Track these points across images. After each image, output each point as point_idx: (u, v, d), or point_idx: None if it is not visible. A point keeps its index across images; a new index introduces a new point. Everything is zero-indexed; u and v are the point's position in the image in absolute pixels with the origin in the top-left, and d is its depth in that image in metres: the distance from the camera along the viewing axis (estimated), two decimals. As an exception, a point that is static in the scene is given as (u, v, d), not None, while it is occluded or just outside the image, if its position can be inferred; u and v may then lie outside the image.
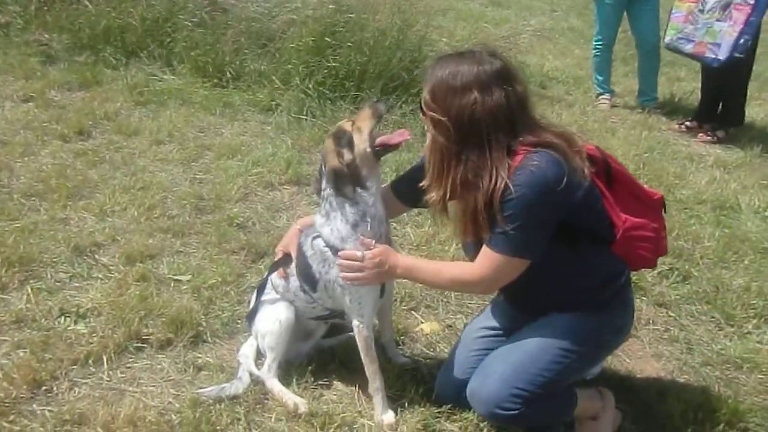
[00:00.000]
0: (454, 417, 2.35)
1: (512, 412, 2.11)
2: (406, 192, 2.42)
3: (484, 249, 2.10)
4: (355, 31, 5.34)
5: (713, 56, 5.02)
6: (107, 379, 2.47)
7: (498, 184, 1.98)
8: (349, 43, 5.22)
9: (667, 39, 5.36)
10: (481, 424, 2.30)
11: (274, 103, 5.08)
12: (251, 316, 2.58)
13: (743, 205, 4.23)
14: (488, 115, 2.00)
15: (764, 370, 2.77)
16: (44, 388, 2.40)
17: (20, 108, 4.81)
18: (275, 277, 2.51)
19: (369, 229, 2.28)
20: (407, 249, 3.43)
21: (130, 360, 2.58)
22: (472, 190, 2.03)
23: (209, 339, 2.71)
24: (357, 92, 5.07)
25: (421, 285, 2.97)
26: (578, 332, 2.19)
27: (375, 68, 5.12)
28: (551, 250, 2.07)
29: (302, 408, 2.34)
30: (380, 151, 2.29)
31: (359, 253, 2.23)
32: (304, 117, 4.88)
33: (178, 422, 2.26)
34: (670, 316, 3.12)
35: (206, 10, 5.94)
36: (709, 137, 5.44)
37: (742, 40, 4.87)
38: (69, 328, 2.69)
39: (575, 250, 2.14)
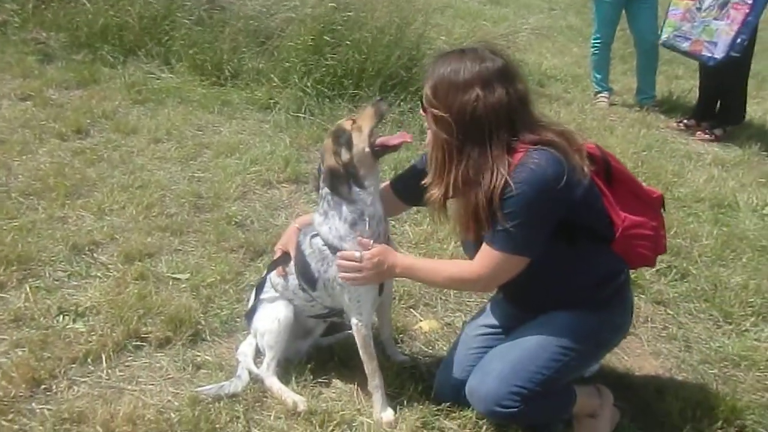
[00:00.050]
0: (453, 415, 2.35)
1: (511, 409, 2.12)
2: (406, 190, 2.43)
3: (484, 247, 2.10)
4: (353, 29, 5.33)
5: (710, 55, 5.01)
6: (106, 377, 2.47)
7: (498, 182, 1.99)
8: (347, 42, 5.22)
9: (663, 36, 5.35)
10: (480, 422, 2.30)
11: (272, 101, 5.08)
12: (250, 314, 2.58)
13: (741, 203, 4.23)
14: (490, 112, 2.00)
15: (762, 367, 2.78)
16: (43, 386, 2.39)
17: (18, 106, 4.80)
18: (274, 276, 2.52)
19: (367, 228, 2.28)
20: (406, 247, 3.43)
21: (129, 358, 2.58)
22: (473, 187, 2.03)
23: (208, 337, 2.71)
24: (355, 90, 5.06)
25: (420, 283, 2.96)
26: (577, 330, 2.20)
27: (373, 66, 5.12)
28: (551, 248, 2.08)
29: (301, 406, 2.34)
30: (379, 151, 2.28)
31: (357, 254, 2.23)
32: (303, 115, 4.87)
33: (177, 420, 2.26)
34: (669, 313, 3.13)
35: (204, 8, 5.92)
36: (707, 135, 5.44)
37: (739, 40, 4.87)
38: (68, 326, 2.69)
39: (575, 248, 2.15)
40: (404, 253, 3.22)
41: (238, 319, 2.79)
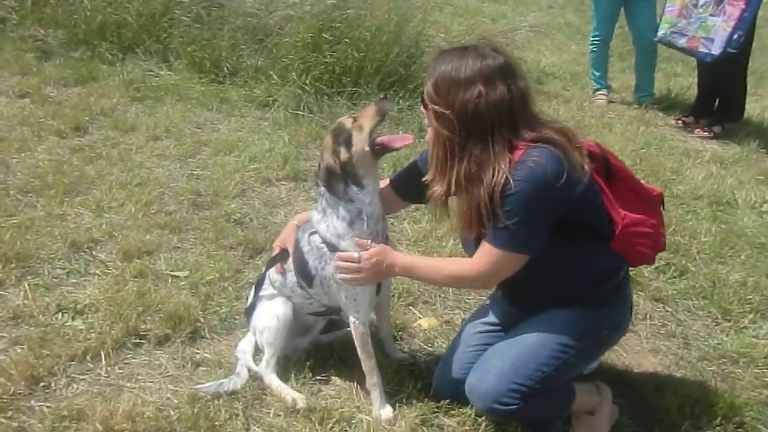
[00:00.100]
0: (453, 412, 2.35)
1: (511, 407, 2.12)
2: (406, 188, 2.43)
3: (483, 244, 2.10)
4: (352, 27, 5.33)
5: (706, 51, 5.01)
6: (105, 375, 2.47)
7: (500, 178, 1.99)
8: (346, 39, 5.22)
9: (660, 33, 5.34)
10: (479, 419, 2.30)
11: (271, 98, 5.08)
12: (249, 311, 2.59)
13: (740, 200, 4.24)
14: (492, 109, 2.01)
15: (760, 364, 2.78)
16: (42, 384, 2.40)
17: (16, 104, 4.80)
18: (273, 273, 2.52)
19: (365, 227, 2.27)
20: (405, 245, 3.43)
21: (128, 356, 2.58)
22: (476, 184, 2.03)
23: (207, 335, 2.72)
24: (354, 88, 5.06)
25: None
26: (577, 328, 2.20)
27: (372, 64, 5.12)
28: (550, 246, 2.08)
29: (300, 403, 2.34)
30: (380, 151, 2.27)
31: (356, 254, 2.23)
32: (301, 113, 4.87)
33: (176, 418, 2.27)
34: (667, 311, 3.13)
35: (203, 6, 5.91)
36: (705, 133, 5.44)
37: (735, 36, 4.86)
38: (66, 324, 2.69)
39: (574, 246, 2.15)
40: (403, 251, 3.23)
41: (237, 317, 2.79)
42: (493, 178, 2.00)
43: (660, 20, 5.39)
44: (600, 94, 6.14)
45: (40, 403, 2.31)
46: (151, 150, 4.27)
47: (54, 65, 5.49)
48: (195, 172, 4.06)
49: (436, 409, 2.35)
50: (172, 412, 2.29)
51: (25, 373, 2.39)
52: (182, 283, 2.99)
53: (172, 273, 3.05)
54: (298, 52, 5.25)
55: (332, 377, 2.52)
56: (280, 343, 2.47)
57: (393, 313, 2.83)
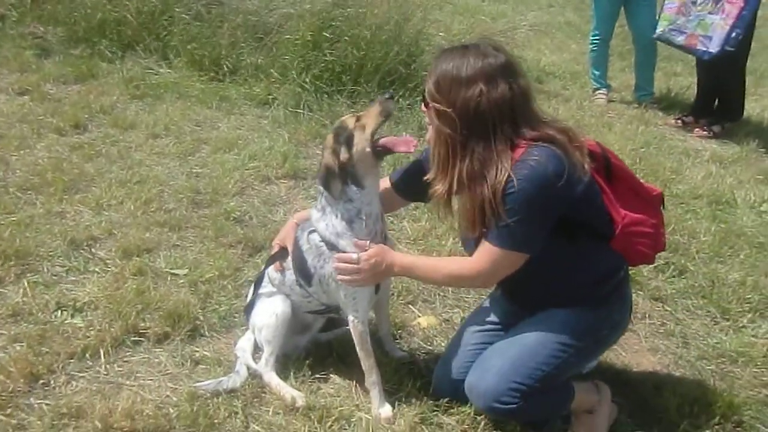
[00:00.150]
0: (452, 410, 2.35)
1: (510, 406, 2.12)
2: (406, 186, 2.43)
3: (483, 243, 2.10)
4: (352, 25, 5.32)
5: (704, 49, 5.01)
6: (104, 372, 2.47)
7: (502, 176, 1.99)
8: (346, 38, 5.21)
9: (658, 30, 5.33)
10: (479, 418, 2.30)
11: (270, 96, 5.07)
12: (248, 309, 2.58)
13: (739, 199, 4.24)
14: (493, 108, 2.01)
15: (759, 363, 2.78)
16: (41, 381, 2.40)
17: (15, 101, 4.80)
18: (272, 271, 2.51)
19: (364, 226, 2.27)
20: (404, 243, 3.43)
21: (128, 354, 2.58)
22: (479, 182, 2.03)
23: (206, 333, 2.71)
24: (354, 86, 5.06)
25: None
26: (576, 327, 2.20)
27: (372, 62, 5.12)
28: (551, 245, 2.08)
29: (300, 401, 2.34)
30: (381, 152, 2.26)
31: (354, 255, 2.23)
32: (301, 111, 4.87)
33: (175, 416, 2.27)
34: (666, 310, 3.13)
35: (203, 3, 5.91)
36: (705, 132, 5.44)
37: (734, 34, 4.86)
38: (66, 321, 2.69)
39: (575, 245, 2.15)
40: (402, 250, 3.23)
41: (236, 315, 2.79)
42: (496, 175, 2.00)
43: (659, 17, 5.39)
44: (600, 93, 6.14)
45: (39, 401, 2.31)
46: (150, 148, 4.27)
47: (53, 62, 5.49)
48: (194, 170, 4.05)
49: (435, 408, 2.35)
50: (172, 410, 2.29)
51: (24, 370, 2.39)
52: (181, 281, 2.99)
53: (172, 271, 3.05)
54: (298, 51, 5.24)
55: (331, 375, 2.52)
56: (279, 341, 2.47)
57: (392, 311, 2.83)
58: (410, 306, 2.99)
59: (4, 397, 2.30)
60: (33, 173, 3.81)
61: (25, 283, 2.87)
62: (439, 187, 2.11)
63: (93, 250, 3.18)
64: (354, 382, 2.47)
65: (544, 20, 9.04)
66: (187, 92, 5.15)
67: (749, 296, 3.20)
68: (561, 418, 2.37)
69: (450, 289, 3.07)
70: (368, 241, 2.25)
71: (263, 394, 2.42)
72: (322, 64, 5.11)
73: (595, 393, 2.35)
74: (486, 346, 2.31)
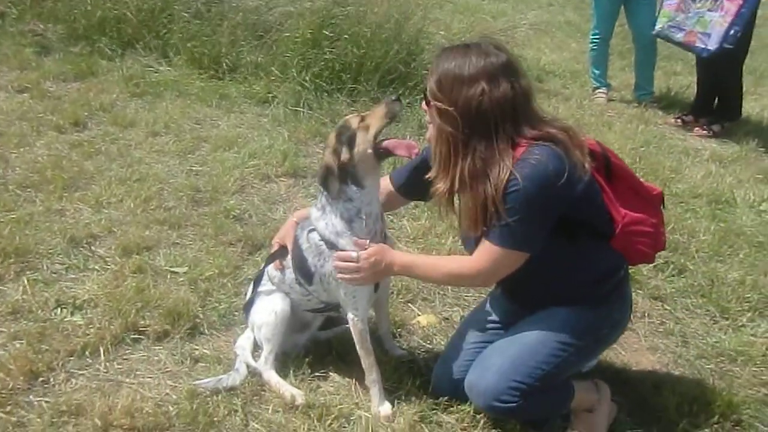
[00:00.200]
0: (451, 409, 2.35)
1: (510, 404, 2.12)
2: (406, 185, 2.43)
3: (483, 242, 2.10)
4: (352, 23, 5.33)
5: (703, 46, 5.01)
6: (104, 370, 2.47)
7: (504, 175, 1.99)
8: (346, 36, 5.21)
9: (657, 27, 5.33)
10: (478, 417, 2.30)
11: (270, 95, 5.07)
12: (248, 307, 2.58)
13: (738, 199, 4.24)
14: (495, 107, 2.01)
15: (758, 362, 2.79)
16: (41, 379, 2.39)
17: (15, 99, 4.80)
18: (271, 269, 2.52)
19: (364, 226, 2.27)
20: (404, 242, 3.43)
21: (127, 351, 2.58)
22: (481, 180, 2.03)
23: (206, 331, 2.71)
24: (354, 85, 5.06)
25: (418, 279, 2.97)
26: (577, 326, 2.21)
27: (372, 61, 5.12)
28: (551, 244, 2.08)
29: (299, 399, 2.34)
30: (383, 154, 2.25)
31: (354, 254, 2.23)
32: (301, 109, 4.86)
33: (175, 414, 2.27)
34: (666, 309, 3.13)
35: (202, 1, 5.90)
36: (704, 131, 5.44)
37: (732, 31, 4.86)
38: (65, 319, 2.69)
39: (575, 244, 2.15)
40: (402, 249, 3.23)
41: (236, 313, 2.79)
42: (498, 174, 2.00)
43: (658, 14, 5.39)
44: (600, 92, 6.14)
45: (38, 398, 2.31)
46: (150, 146, 4.27)
47: (53, 60, 5.48)
48: (194, 168, 4.05)
49: (434, 406, 2.36)
50: (171, 408, 2.29)
51: (23, 368, 2.39)
52: (181, 279, 2.99)
53: (171, 269, 3.05)
54: (298, 49, 5.24)
55: (331, 374, 2.52)
56: (278, 339, 2.47)
57: (392, 310, 2.83)
58: (410, 304, 2.99)
59: (3, 395, 2.29)
60: (33, 171, 3.80)
61: (25, 281, 2.87)
62: (441, 186, 2.11)
63: (93, 247, 3.18)
64: (353, 380, 2.47)
65: (544, 19, 9.04)
66: (187, 90, 5.15)
67: (748, 295, 3.20)
68: (561, 416, 2.37)
69: (450, 287, 3.07)
70: (368, 240, 2.25)
71: (263, 392, 2.42)
72: (322, 63, 5.11)
73: (595, 392, 2.35)
74: (486, 345, 2.31)
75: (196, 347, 2.62)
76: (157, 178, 3.84)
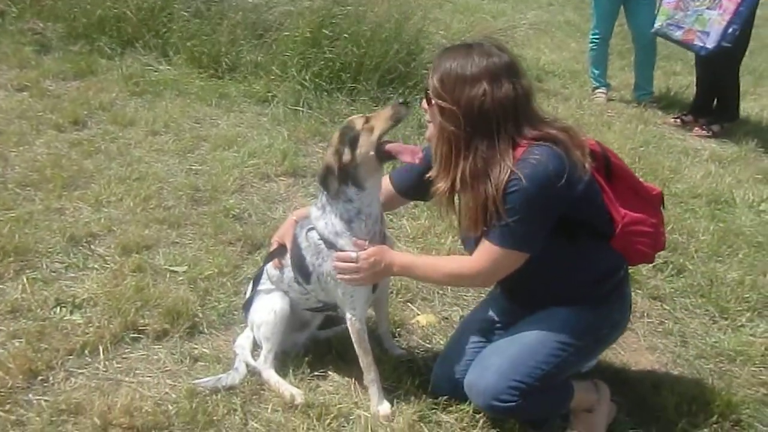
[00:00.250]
0: (450, 408, 2.35)
1: (509, 404, 2.12)
2: (406, 185, 2.43)
3: (483, 242, 2.10)
4: (352, 23, 5.32)
5: (701, 44, 5.01)
6: (103, 369, 2.47)
7: (505, 175, 1.99)
8: (345, 35, 5.21)
9: (656, 25, 5.33)
10: (477, 416, 2.31)
11: (270, 94, 5.07)
12: (247, 306, 2.58)
13: (738, 199, 4.24)
14: (497, 107, 2.01)
15: (757, 362, 2.79)
16: (40, 377, 2.39)
17: (14, 97, 4.80)
18: (270, 267, 2.52)
19: (363, 227, 2.26)
20: (403, 242, 3.43)
21: (127, 350, 2.58)
22: (482, 180, 2.03)
23: (206, 330, 2.71)
24: (353, 84, 5.06)
25: (417, 278, 2.97)
26: (576, 326, 2.21)
27: (372, 60, 5.12)
28: (551, 245, 2.08)
29: (299, 399, 2.34)
30: (386, 157, 2.23)
31: (353, 254, 2.23)
32: (301, 108, 4.86)
33: (174, 413, 2.27)
34: (665, 309, 3.14)
35: (202, 0, 5.90)
36: (704, 131, 5.45)
37: (730, 30, 4.86)
38: (65, 318, 2.69)
39: (575, 244, 2.15)
40: (402, 249, 3.23)
41: (235, 312, 2.79)
42: (499, 174, 2.00)
43: (657, 12, 5.39)
44: (599, 92, 6.14)
45: (38, 397, 2.31)
46: (149, 145, 4.27)
47: (53, 59, 5.48)
48: (194, 167, 4.05)
49: (434, 406, 2.36)
50: (170, 407, 2.29)
51: (23, 366, 2.39)
52: (181, 278, 2.99)
53: (171, 268, 3.05)
54: (298, 48, 5.24)
55: (330, 373, 2.52)
56: (277, 338, 2.47)
57: (391, 309, 2.83)
58: (409, 304, 2.99)
59: (2, 393, 2.29)
60: (32, 169, 3.80)
61: (24, 280, 2.87)
62: (442, 185, 2.11)
63: (92, 246, 3.18)
64: (353, 379, 2.47)
65: (543, 19, 9.04)
66: (187, 89, 5.14)
67: (748, 295, 3.21)
68: (560, 416, 2.37)
69: (449, 287, 3.07)
70: (367, 241, 2.25)
71: (262, 391, 2.42)
72: (322, 62, 5.11)
73: (594, 392, 2.35)
74: (485, 345, 2.31)
75: (196, 346, 2.62)
76: (157, 177, 3.83)
